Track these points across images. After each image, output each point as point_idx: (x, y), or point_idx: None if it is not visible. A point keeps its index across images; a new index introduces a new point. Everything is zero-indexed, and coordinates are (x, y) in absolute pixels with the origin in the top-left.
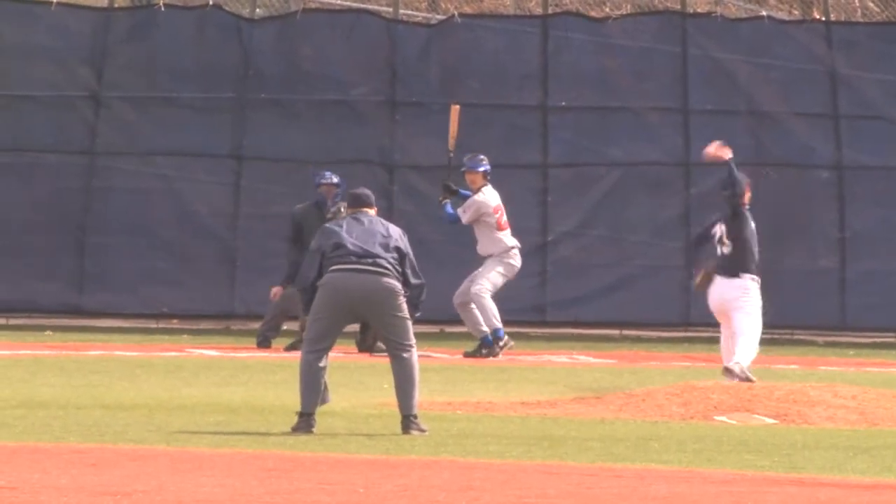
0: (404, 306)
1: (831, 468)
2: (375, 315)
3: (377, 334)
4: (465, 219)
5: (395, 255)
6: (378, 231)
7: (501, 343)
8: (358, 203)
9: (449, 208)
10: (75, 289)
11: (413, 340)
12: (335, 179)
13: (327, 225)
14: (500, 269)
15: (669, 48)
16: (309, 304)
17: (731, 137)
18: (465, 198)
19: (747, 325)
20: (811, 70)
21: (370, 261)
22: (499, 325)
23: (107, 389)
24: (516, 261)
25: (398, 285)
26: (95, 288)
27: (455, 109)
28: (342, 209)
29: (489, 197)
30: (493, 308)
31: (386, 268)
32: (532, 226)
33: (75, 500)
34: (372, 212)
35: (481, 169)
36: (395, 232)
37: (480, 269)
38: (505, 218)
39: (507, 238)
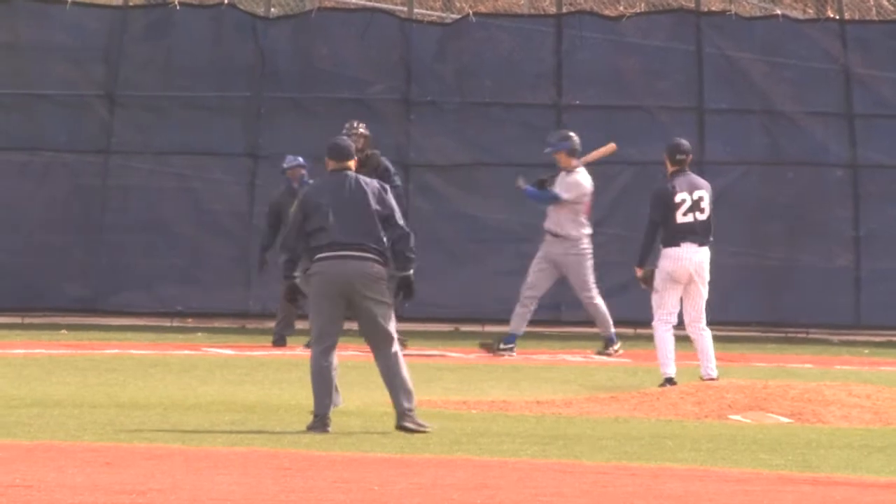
0: (387, 293)
1: (846, 467)
2: (359, 298)
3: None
4: (566, 196)
5: (378, 222)
6: (360, 201)
7: (615, 347)
8: (340, 156)
9: (532, 189)
10: (90, 288)
11: (395, 333)
12: (300, 160)
13: (308, 198)
14: (585, 262)
15: (684, 47)
16: (288, 276)
17: (746, 136)
18: (544, 198)
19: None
20: (826, 69)
21: (355, 245)
22: (610, 329)
23: (122, 388)
24: (591, 247)
25: (383, 271)
26: (111, 287)
27: (611, 148)
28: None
29: (587, 180)
30: (607, 313)
31: (371, 253)
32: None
33: (90, 499)
34: (351, 165)
35: (564, 148)
36: (373, 191)
37: (572, 277)
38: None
39: (587, 225)
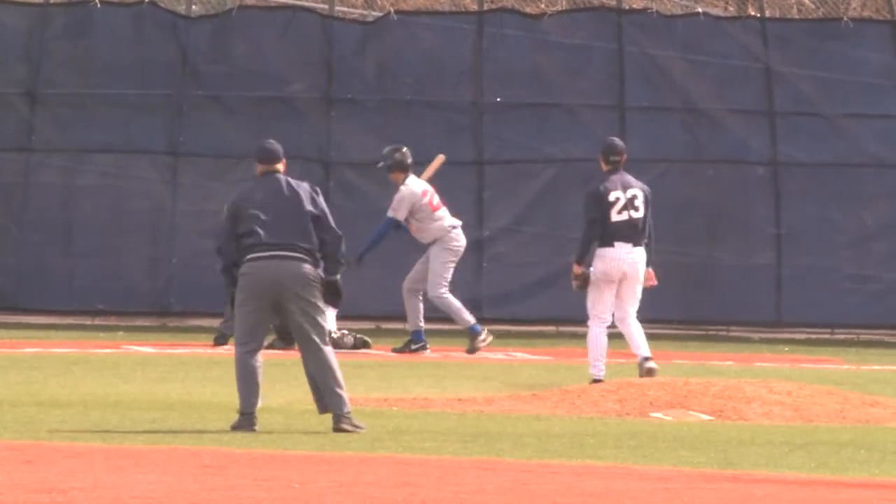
0: (319, 295)
1: (766, 464)
2: (288, 299)
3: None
4: (400, 216)
5: (310, 223)
6: (293, 202)
7: (481, 338)
8: (269, 159)
9: (374, 238)
10: (11, 285)
11: (325, 334)
12: None
13: (239, 202)
14: (446, 257)
15: (605, 44)
16: (231, 285)
17: (667, 134)
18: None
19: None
20: (747, 66)
21: (287, 246)
22: (471, 319)
23: (42, 386)
24: (460, 240)
25: (315, 272)
26: (31, 285)
27: (440, 159)
28: None
29: (413, 185)
30: (457, 304)
31: (303, 254)
32: (468, 222)
33: (11, 498)
34: (281, 167)
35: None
36: (305, 193)
37: (430, 265)
38: (437, 199)
39: (446, 218)
